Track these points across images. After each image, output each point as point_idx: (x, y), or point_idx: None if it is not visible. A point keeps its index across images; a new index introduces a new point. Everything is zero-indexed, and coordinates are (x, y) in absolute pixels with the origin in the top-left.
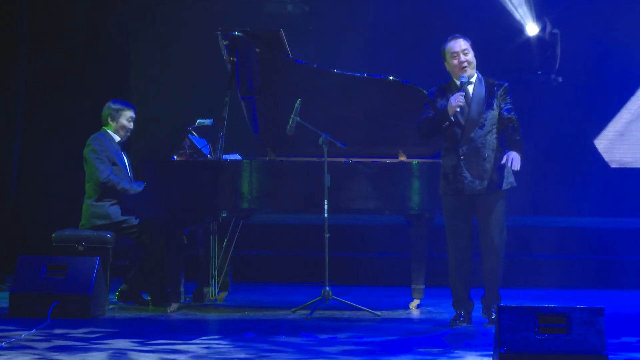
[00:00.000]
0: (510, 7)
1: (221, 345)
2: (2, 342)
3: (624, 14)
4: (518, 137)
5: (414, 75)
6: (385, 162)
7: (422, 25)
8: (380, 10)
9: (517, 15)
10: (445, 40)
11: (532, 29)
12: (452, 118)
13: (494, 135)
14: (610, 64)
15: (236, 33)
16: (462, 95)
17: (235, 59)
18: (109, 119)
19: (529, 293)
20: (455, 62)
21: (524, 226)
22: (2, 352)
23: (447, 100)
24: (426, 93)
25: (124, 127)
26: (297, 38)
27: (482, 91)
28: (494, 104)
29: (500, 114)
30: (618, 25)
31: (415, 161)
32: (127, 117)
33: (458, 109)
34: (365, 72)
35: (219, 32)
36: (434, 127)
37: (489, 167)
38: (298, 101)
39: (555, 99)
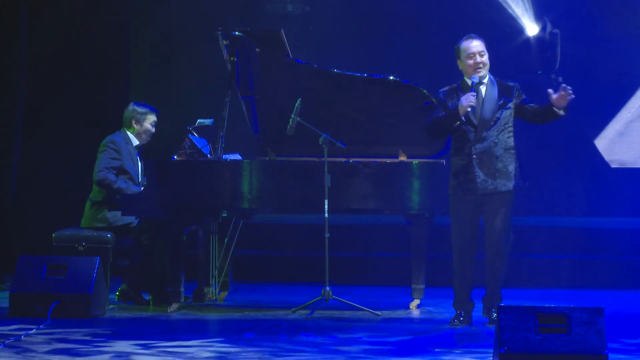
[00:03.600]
0: (510, 7)
1: (222, 345)
2: (2, 342)
3: (624, 14)
4: None
5: (414, 75)
6: (385, 162)
7: (422, 25)
8: (380, 11)
9: (516, 16)
10: (460, 38)
11: (532, 29)
12: (462, 118)
13: (506, 135)
14: (610, 64)
15: (236, 33)
16: (474, 96)
17: (235, 59)
18: (133, 122)
19: (529, 293)
20: (471, 62)
21: (524, 226)
22: (2, 352)
23: (459, 99)
24: (426, 93)
25: (147, 131)
26: (297, 38)
27: (495, 91)
28: (509, 104)
29: (520, 106)
30: (618, 25)
31: (415, 161)
32: (151, 122)
33: (469, 109)
34: (366, 72)
35: (219, 32)
36: (445, 126)
37: (500, 167)
38: (298, 101)
39: None
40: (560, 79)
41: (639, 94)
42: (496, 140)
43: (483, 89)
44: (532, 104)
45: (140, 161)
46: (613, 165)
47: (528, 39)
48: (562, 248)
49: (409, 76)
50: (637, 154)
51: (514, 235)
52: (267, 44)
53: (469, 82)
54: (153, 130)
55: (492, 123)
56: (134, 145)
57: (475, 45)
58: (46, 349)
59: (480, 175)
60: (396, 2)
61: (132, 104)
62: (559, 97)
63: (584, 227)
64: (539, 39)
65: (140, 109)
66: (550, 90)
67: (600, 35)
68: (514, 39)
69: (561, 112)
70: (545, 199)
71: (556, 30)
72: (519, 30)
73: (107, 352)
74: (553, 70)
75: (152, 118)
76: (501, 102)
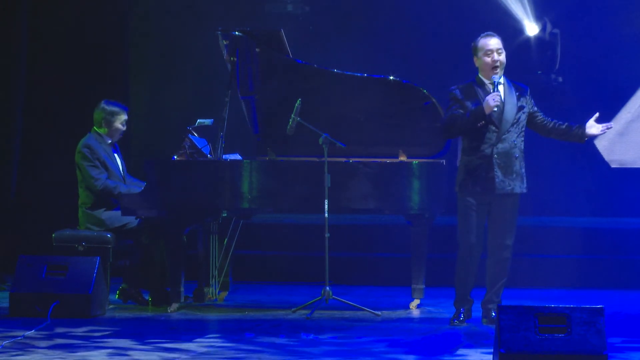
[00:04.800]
0: (510, 7)
1: (221, 345)
2: (2, 342)
3: (624, 14)
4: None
5: (415, 75)
6: (385, 162)
7: (422, 25)
8: (380, 11)
9: (517, 16)
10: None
11: (532, 29)
12: (486, 117)
13: (521, 138)
14: (610, 64)
15: (236, 33)
16: (499, 95)
17: (235, 59)
18: (103, 123)
19: (529, 293)
20: (489, 60)
21: (524, 226)
22: (2, 352)
23: (478, 98)
24: (425, 93)
25: (117, 131)
26: (297, 38)
27: (513, 93)
28: (525, 109)
29: (532, 114)
30: (618, 25)
31: (415, 161)
32: (121, 121)
33: (495, 109)
34: (366, 72)
35: (219, 32)
36: (468, 125)
37: (517, 169)
38: (298, 101)
39: (555, 99)
40: (561, 79)
41: (639, 94)
42: (515, 142)
43: (501, 89)
44: (541, 114)
45: (119, 157)
46: (613, 165)
47: (528, 39)
48: (562, 248)
49: (408, 76)
50: (637, 154)
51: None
52: (267, 44)
53: (487, 80)
54: (123, 129)
55: (513, 125)
56: (107, 143)
57: (494, 42)
58: (46, 345)
59: (499, 175)
60: (396, 3)
61: (102, 102)
62: (600, 128)
63: (583, 227)
64: (539, 39)
65: (109, 108)
66: (597, 115)
67: (600, 35)
68: (514, 39)
69: (584, 140)
70: (545, 199)
71: (556, 30)
72: (519, 30)
73: (106, 348)
74: (553, 70)
75: (122, 117)
76: (519, 104)
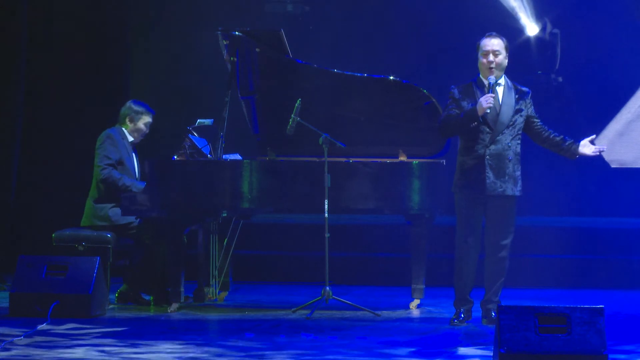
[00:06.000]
0: (510, 7)
1: (220, 344)
2: (2, 342)
3: (624, 14)
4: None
5: (414, 75)
6: (385, 162)
7: (422, 25)
8: (380, 10)
9: (517, 16)
10: (478, 35)
11: (532, 29)
12: (480, 119)
13: (517, 141)
14: (610, 64)
15: (236, 33)
16: (493, 97)
17: (235, 59)
18: (127, 120)
19: (529, 293)
20: (484, 60)
21: (524, 226)
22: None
23: (475, 98)
24: (425, 93)
25: (139, 131)
26: (297, 38)
27: (512, 96)
28: (522, 112)
29: (529, 118)
30: (618, 25)
31: (415, 161)
32: (145, 122)
33: (488, 110)
34: (366, 72)
35: (219, 32)
36: (461, 126)
37: (510, 171)
38: (298, 101)
39: (555, 99)
40: (560, 79)
41: (639, 94)
42: (510, 144)
43: (500, 90)
44: (539, 121)
45: (135, 158)
46: (613, 165)
47: (528, 39)
48: (562, 248)
49: (408, 76)
50: (637, 154)
51: (514, 235)
52: (267, 44)
53: (485, 81)
54: (146, 131)
55: (508, 127)
56: (129, 141)
57: (492, 43)
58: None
59: (490, 176)
60: (397, 2)
61: (130, 101)
62: (593, 149)
63: (584, 227)
64: (539, 39)
65: (136, 108)
66: (593, 137)
67: (600, 35)
68: (514, 39)
69: (575, 157)
70: (545, 199)
71: (556, 30)
72: (519, 30)
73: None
74: (553, 70)
75: (146, 119)
76: (517, 107)
